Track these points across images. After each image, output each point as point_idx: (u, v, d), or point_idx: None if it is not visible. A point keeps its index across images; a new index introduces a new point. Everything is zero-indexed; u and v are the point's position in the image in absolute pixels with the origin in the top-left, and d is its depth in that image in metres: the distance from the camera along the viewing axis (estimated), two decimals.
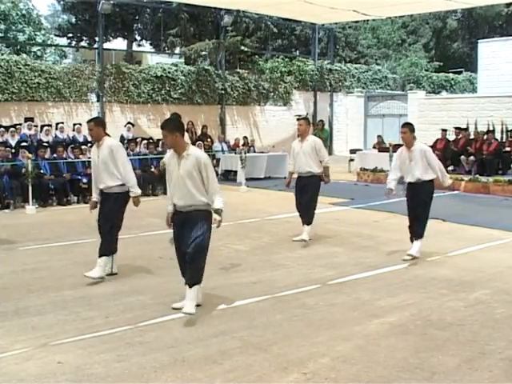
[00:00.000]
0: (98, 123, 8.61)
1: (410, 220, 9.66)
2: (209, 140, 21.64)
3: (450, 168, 20.71)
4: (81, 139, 18.77)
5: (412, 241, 9.59)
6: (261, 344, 5.98)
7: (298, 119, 11.36)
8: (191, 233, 6.80)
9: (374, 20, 37.78)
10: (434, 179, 9.57)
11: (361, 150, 25.75)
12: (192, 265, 6.78)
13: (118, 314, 6.92)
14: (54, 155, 16.61)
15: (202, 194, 6.89)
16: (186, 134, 7.34)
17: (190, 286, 6.75)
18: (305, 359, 5.63)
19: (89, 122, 8.65)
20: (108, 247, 8.42)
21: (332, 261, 9.37)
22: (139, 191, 8.56)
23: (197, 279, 6.80)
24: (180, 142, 6.92)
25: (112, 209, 8.41)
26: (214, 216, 6.99)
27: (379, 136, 24.60)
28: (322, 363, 5.54)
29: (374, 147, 24.05)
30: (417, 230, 9.55)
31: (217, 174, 19.17)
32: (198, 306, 6.99)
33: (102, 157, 8.34)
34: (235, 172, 19.76)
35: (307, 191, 10.98)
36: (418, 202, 9.52)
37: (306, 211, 11.00)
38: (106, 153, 8.31)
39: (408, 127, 9.62)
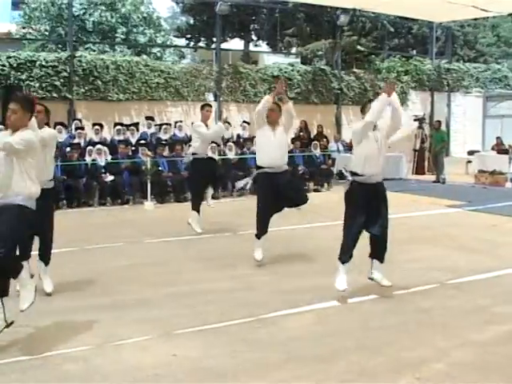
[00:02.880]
0: None
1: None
2: (324, 140, 21.57)
3: None
4: None
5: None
6: (374, 345, 5.95)
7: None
8: None
9: (493, 17, 36.64)
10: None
11: (479, 151, 25.11)
12: None
13: (233, 310, 7.01)
14: (173, 153, 17.03)
15: None
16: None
17: None
18: (418, 363, 5.55)
19: None
20: None
21: (448, 263, 9.17)
22: None
23: None
24: None
25: None
26: None
27: (498, 137, 23.92)
28: (437, 368, 5.44)
29: (492, 149, 23.42)
30: None
31: (331, 174, 19.15)
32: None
33: None
34: None
35: None
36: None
37: None
38: None
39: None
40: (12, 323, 5.94)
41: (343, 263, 7.44)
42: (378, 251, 7.58)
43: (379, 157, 7.43)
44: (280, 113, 9.41)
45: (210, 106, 11.93)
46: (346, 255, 7.44)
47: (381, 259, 7.63)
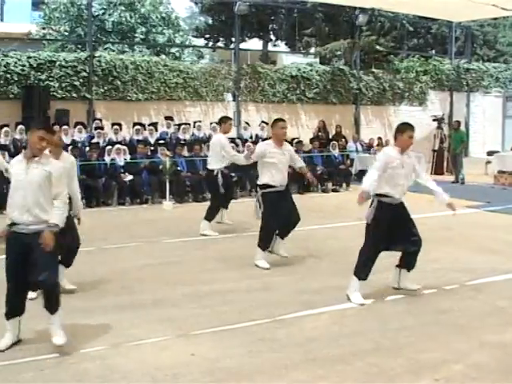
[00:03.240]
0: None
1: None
2: (343, 140, 21.52)
3: None
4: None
5: None
6: (393, 347, 5.93)
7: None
8: None
9: None
10: None
11: (498, 151, 24.94)
12: None
13: (251, 310, 7.02)
14: (192, 153, 17.06)
15: None
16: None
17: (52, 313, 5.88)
18: (437, 365, 5.52)
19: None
20: None
21: (467, 264, 9.12)
22: None
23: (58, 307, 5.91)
24: None
25: None
26: None
27: None
28: (455, 370, 5.41)
29: None
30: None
31: (350, 174, 19.10)
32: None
33: None
34: None
35: None
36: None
37: None
38: None
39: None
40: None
41: (359, 279, 7.40)
42: (409, 262, 7.59)
43: (405, 181, 7.42)
44: None
45: (231, 119, 12.08)
46: (363, 273, 7.38)
47: (409, 270, 7.63)
